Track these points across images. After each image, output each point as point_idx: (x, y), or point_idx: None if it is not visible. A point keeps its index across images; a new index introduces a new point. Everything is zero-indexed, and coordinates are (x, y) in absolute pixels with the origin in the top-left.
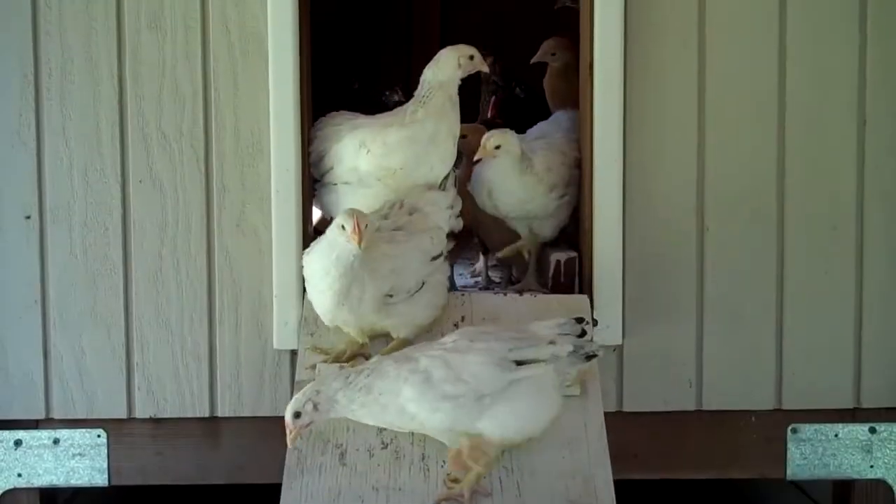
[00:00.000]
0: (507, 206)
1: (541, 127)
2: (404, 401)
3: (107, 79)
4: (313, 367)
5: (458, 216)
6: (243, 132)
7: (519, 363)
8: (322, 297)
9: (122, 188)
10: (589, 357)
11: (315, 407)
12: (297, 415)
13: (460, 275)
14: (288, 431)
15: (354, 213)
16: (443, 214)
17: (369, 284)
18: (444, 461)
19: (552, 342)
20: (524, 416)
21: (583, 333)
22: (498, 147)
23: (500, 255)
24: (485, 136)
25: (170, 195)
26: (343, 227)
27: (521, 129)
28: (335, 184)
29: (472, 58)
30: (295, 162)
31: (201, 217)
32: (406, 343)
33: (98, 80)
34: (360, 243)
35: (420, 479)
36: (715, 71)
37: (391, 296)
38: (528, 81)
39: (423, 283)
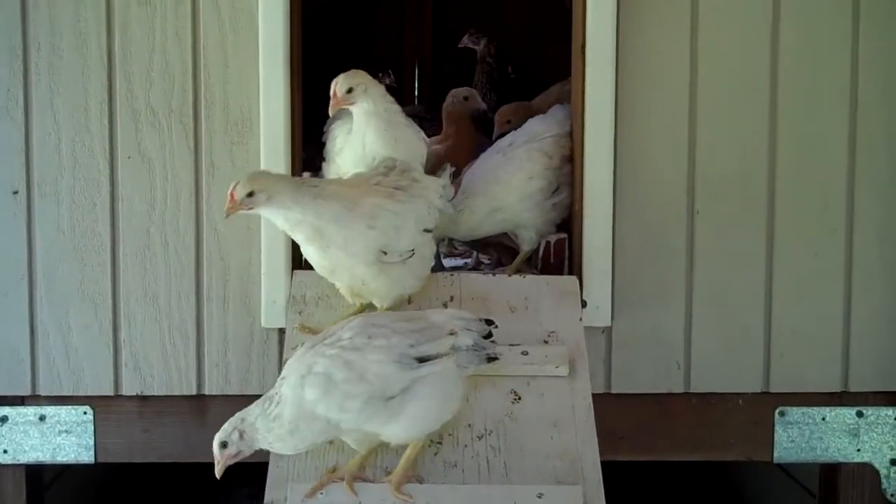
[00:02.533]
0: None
1: (533, 125)
2: (310, 405)
3: (96, 54)
4: (301, 346)
5: (449, 200)
6: (233, 109)
7: (421, 360)
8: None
9: (110, 164)
10: (490, 359)
11: (241, 435)
12: (223, 444)
13: (443, 254)
14: (216, 462)
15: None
16: (435, 194)
17: (365, 234)
18: (431, 440)
19: (452, 332)
20: (429, 415)
21: (488, 335)
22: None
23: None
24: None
25: (158, 172)
26: None
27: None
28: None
29: None
30: (285, 140)
31: (190, 194)
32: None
33: (87, 55)
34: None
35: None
36: (707, 54)
37: (385, 252)
38: (521, 61)
39: (413, 252)
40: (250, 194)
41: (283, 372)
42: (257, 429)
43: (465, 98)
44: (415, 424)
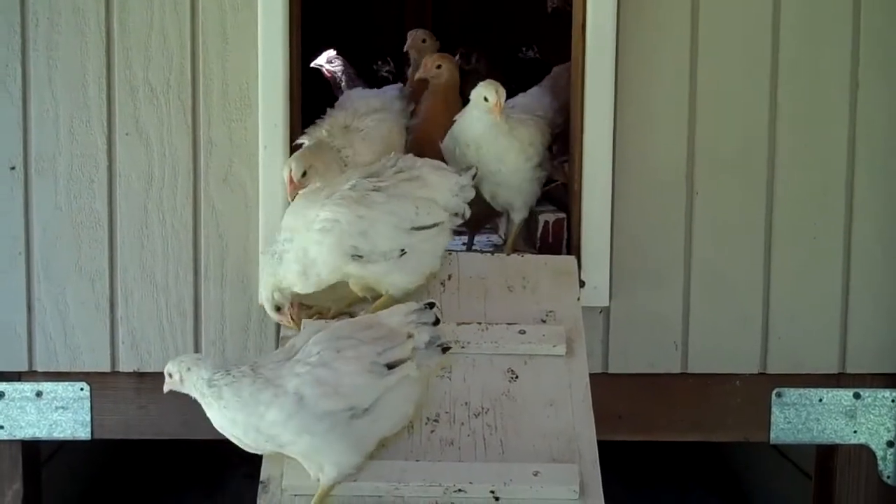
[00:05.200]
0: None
1: (531, 95)
2: (265, 423)
3: (94, 30)
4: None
5: (465, 201)
6: (231, 86)
7: (389, 366)
8: None
9: (108, 140)
10: (445, 349)
11: (181, 380)
12: (169, 375)
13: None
14: (165, 382)
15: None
16: (445, 192)
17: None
18: (427, 418)
19: (410, 335)
20: (389, 426)
21: (437, 321)
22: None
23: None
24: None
25: (156, 148)
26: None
27: None
28: None
29: None
30: (283, 117)
31: (188, 171)
32: (392, 302)
33: (85, 31)
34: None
35: (404, 436)
36: (708, 34)
37: (360, 256)
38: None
39: (403, 251)
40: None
41: None
42: (197, 387)
43: (424, 41)
44: (369, 444)
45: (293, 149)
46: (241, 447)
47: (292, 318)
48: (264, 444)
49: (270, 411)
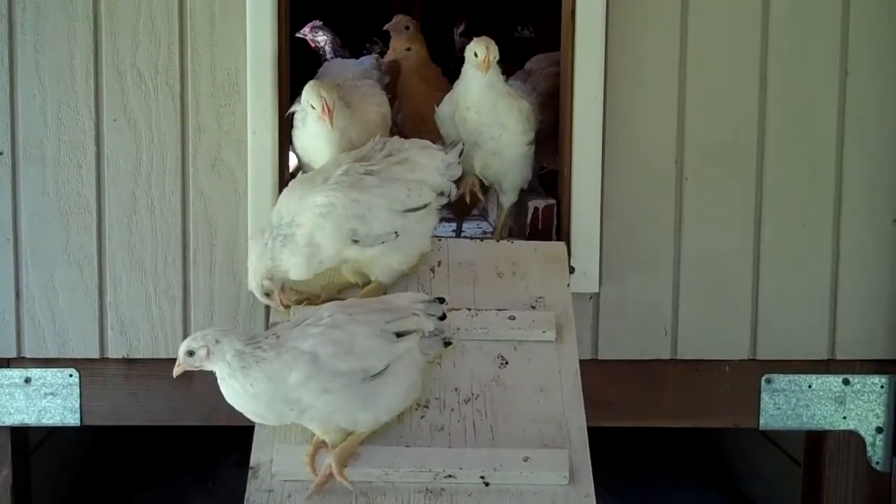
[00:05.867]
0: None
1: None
2: (289, 388)
3: (81, 15)
4: (287, 308)
5: (451, 180)
6: (220, 71)
7: (398, 335)
8: None
9: (95, 126)
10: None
11: (208, 355)
12: (190, 353)
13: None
14: (177, 364)
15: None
16: (433, 172)
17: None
18: (417, 404)
19: (415, 314)
20: (397, 402)
21: (443, 316)
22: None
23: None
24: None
25: (144, 134)
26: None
27: None
28: None
29: None
30: (272, 103)
31: (176, 157)
32: (382, 288)
33: (72, 16)
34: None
35: (395, 421)
36: (697, 20)
37: (356, 240)
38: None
39: (397, 233)
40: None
41: None
42: (228, 362)
43: (407, 27)
44: (378, 415)
45: (285, 123)
46: (257, 420)
47: (282, 303)
48: (288, 412)
49: (293, 374)
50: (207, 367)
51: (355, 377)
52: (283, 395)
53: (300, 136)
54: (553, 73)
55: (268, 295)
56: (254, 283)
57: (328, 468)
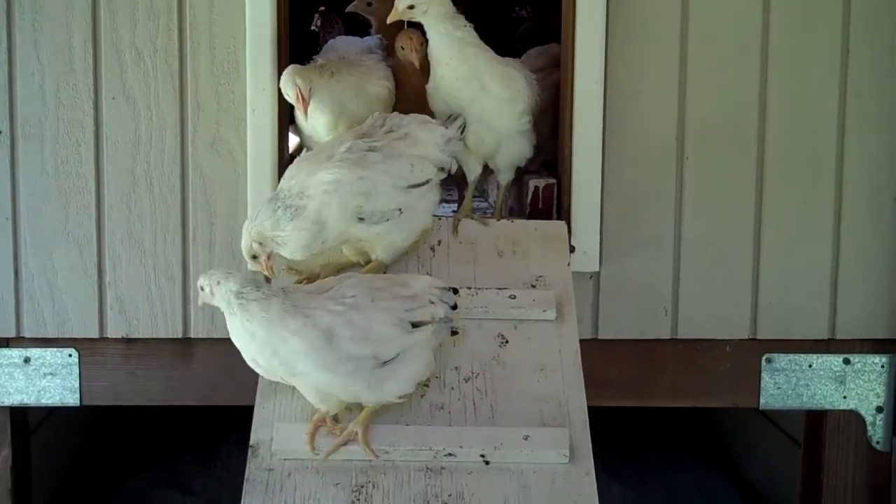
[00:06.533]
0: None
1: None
2: (289, 352)
3: None
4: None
5: (451, 155)
6: (219, 49)
7: (414, 325)
8: None
9: (94, 104)
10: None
11: (211, 292)
12: (201, 288)
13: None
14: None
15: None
16: (433, 147)
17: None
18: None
19: (432, 302)
20: (403, 385)
21: (455, 306)
22: (411, 7)
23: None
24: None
25: (143, 112)
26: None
27: None
28: None
29: None
30: (271, 81)
31: (175, 135)
32: (383, 266)
33: None
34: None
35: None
36: (699, 1)
37: (362, 218)
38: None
39: (401, 210)
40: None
41: None
42: (229, 302)
43: (369, 4)
44: (392, 393)
45: (284, 101)
46: (253, 368)
47: (267, 269)
48: (278, 367)
49: (295, 339)
50: (214, 303)
51: (366, 363)
52: (276, 349)
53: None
54: (553, 81)
55: (255, 258)
56: (244, 242)
57: (352, 434)
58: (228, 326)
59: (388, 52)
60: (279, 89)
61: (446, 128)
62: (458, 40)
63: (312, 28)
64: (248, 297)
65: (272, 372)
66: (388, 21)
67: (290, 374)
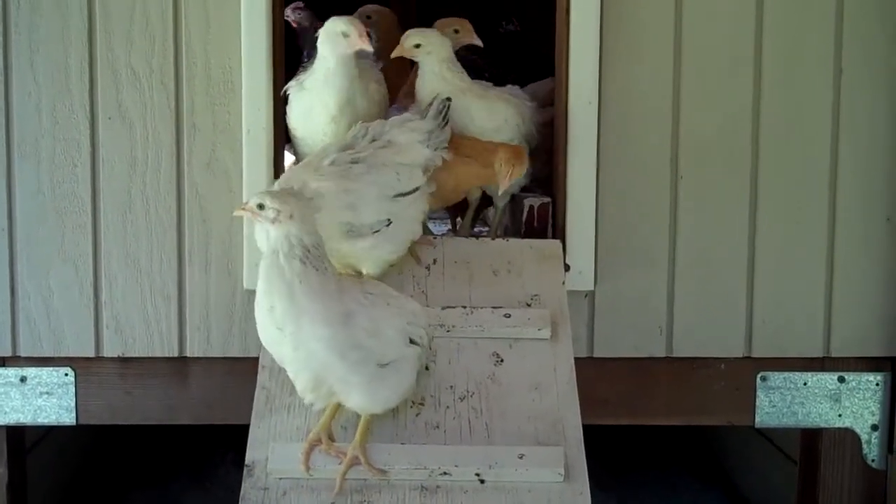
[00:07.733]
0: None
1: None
2: (310, 321)
3: (76, 13)
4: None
5: (436, 149)
6: (214, 70)
7: (411, 341)
8: None
9: (90, 125)
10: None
11: (273, 220)
12: (261, 206)
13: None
14: (243, 205)
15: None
16: (417, 148)
17: (325, 215)
18: (412, 401)
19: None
20: (392, 395)
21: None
22: (417, 46)
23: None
24: (404, 35)
25: (139, 133)
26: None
27: None
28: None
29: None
30: (266, 101)
31: (171, 155)
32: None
33: (67, 14)
34: None
35: (388, 417)
36: (692, 17)
37: (351, 231)
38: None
39: (390, 221)
40: None
41: None
42: (281, 238)
43: (369, 17)
44: (382, 400)
45: (280, 121)
46: (262, 323)
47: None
48: (275, 331)
49: (316, 306)
50: (265, 226)
51: (371, 357)
52: (299, 314)
53: (296, 107)
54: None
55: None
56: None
57: (354, 459)
58: (262, 266)
59: (379, 57)
60: (275, 109)
61: (423, 118)
62: (447, 82)
63: (288, 19)
64: (309, 265)
65: (270, 337)
66: (392, 56)
67: (293, 347)
